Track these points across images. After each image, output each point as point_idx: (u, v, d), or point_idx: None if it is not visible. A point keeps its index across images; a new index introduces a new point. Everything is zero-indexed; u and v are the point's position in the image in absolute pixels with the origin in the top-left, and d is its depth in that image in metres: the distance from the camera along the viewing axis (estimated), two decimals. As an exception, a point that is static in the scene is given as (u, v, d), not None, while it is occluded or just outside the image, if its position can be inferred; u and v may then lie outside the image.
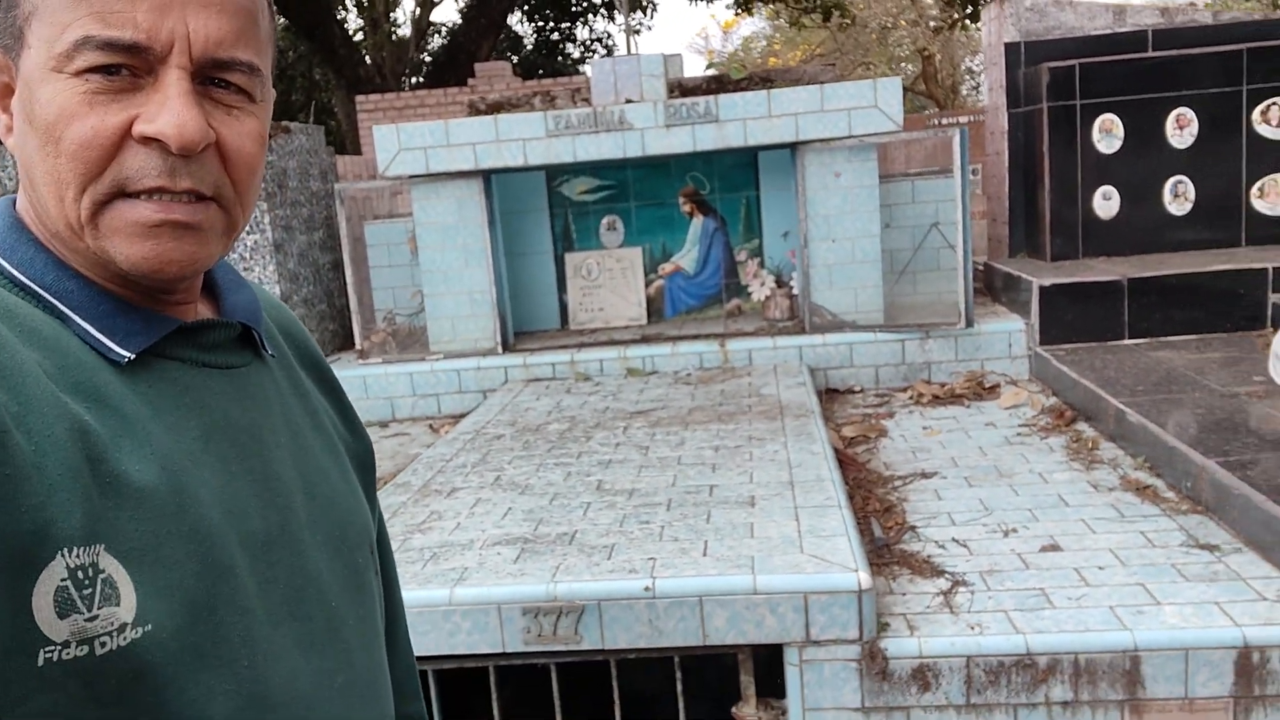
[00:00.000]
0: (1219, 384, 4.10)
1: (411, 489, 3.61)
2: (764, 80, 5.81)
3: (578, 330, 6.00)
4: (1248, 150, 5.37)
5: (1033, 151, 5.80)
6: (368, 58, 17.70)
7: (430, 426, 5.28)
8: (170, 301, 0.70)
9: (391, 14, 20.20)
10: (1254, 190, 5.42)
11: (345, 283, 6.06)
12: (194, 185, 0.64)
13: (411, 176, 5.40)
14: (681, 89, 5.74)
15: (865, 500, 3.57)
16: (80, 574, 0.56)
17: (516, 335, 5.88)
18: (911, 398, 4.97)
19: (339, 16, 17.84)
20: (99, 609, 0.57)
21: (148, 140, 0.62)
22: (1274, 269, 4.84)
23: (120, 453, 0.61)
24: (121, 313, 0.67)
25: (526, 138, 5.25)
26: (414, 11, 20.30)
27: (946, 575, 2.95)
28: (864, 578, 2.58)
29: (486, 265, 5.47)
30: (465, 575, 2.76)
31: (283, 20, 18.64)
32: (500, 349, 5.53)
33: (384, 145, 5.33)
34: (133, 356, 0.65)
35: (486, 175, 5.44)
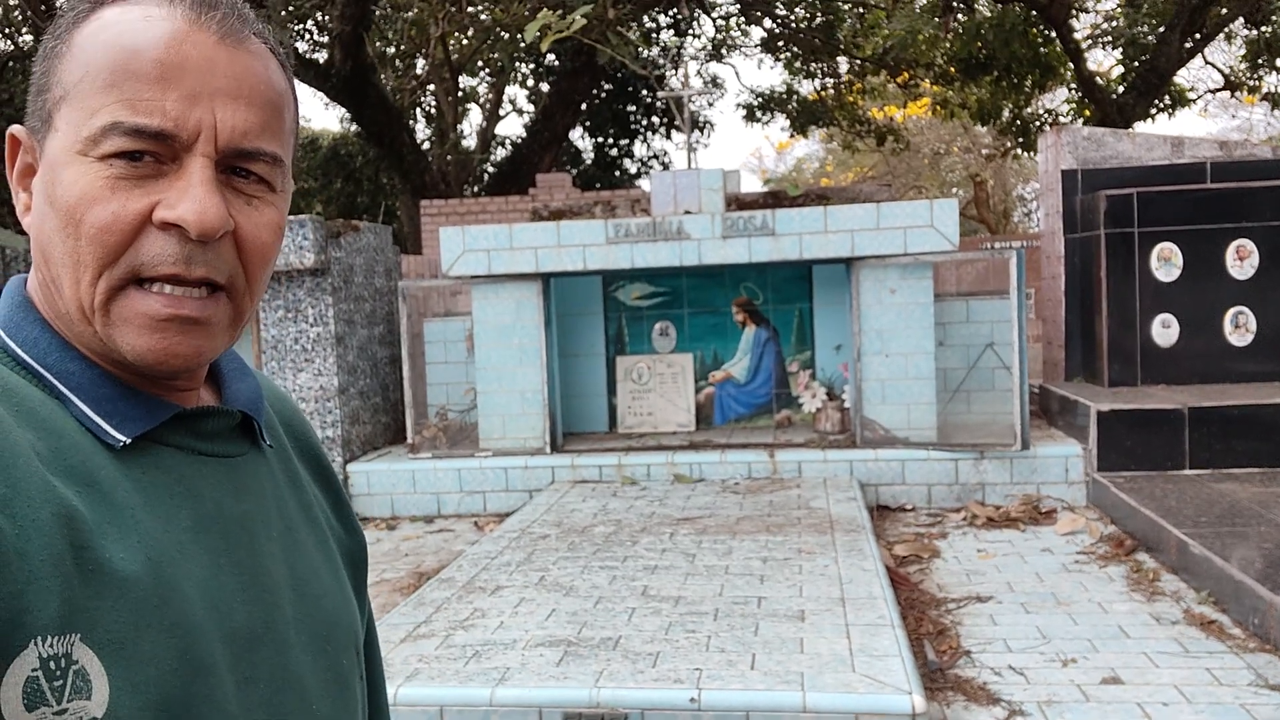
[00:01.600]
0: (1287, 519, 3.97)
1: (456, 585, 3.59)
2: (820, 197, 5.92)
3: (626, 433, 6.01)
4: (1311, 283, 5.32)
5: (1089, 277, 5.80)
6: (434, 165, 18.37)
7: (475, 524, 5.27)
8: (173, 388, 0.70)
9: (459, 125, 21.02)
10: (1318, 323, 5.34)
11: (401, 377, 6.17)
12: (208, 274, 0.64)
13: (473, 277, 5.53)
14: (739, 203, 5.87)
15: (918, 622, 3.47)
16: (53, 664, 0.55)
17: (565, 435, 5.90)
18: (965, 519, 4.88)
19: (409, 125, 18.61)
20: (69, 702, 0.56)
21: (167, 226, 0.62)
22: (1341, 404, 4.73)
23: (106, 540, 0.60)
24: (122, 397, 0.66)
25: (587, 244, 5.37)
26: (481, 124, 21.13)
27: (1003, 704, 2.84)
28: (919, 701, 2.49)
29: (540, 365, 5.54)
30: (507, 675, 2.72)
31: (355, 126, 19.49)
32: (549, 449, 5.54)
33: (449, 246, 5.49)
34: (129, 441, 0.65)
35: (546, 278, 5.55)
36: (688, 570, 3.66)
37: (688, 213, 5.39)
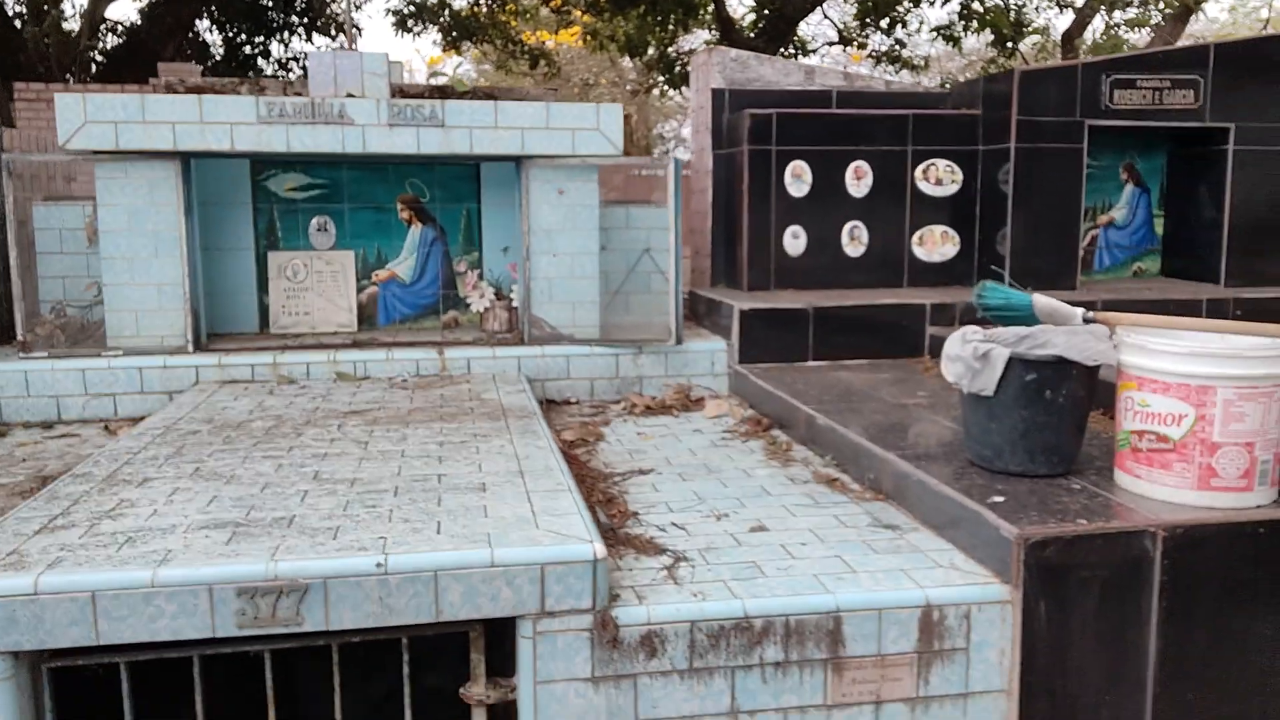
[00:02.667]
0: (890, 397, 4.61)
1: (94, 479, 3.22)
2: (488, 96, 5.86)
3: (279, 334, 5.66)
4: (911, 203, 6.15)
5: (733, 191, 6.28)
6: (30, 45, 15.85)
7: (106, 428, 4.73)
8: None
9: (60, 3, 18.22)
10: (915, 238, 6.19)
11: (6, 267, 5.34)
12: None
13: (97, 152, 4.88)
14: (403, 94, 5.66)
15: (589, 493, 3.64)
16: None
17: (210, 336, 5.44)
18: (625, 408, 5.15)
19: (-4, -4, 15.86)
20: None
21: None
22: (930, 305, 5.54)
23: None
24: None
25: (235, 121, 4.92)
26: (85, 3, 18.44)
27: (669, 553, 3.08)
28: (599, 548, 2.63)
29: (180, 255, 5.04)
30: (169, 557, 2.50)
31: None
32: (191, 348, 5.09)
33: (67, 116, 4.79)
34: None
35: (186, 159, 5.03)
36: (361, 456, 3.56)
37: (350, 95, 5.11)
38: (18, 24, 16.76)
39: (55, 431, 4.68)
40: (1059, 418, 3.22)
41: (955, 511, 3.12)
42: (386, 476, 3.27)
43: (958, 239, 6.24)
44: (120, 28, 19.51)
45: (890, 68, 17.25)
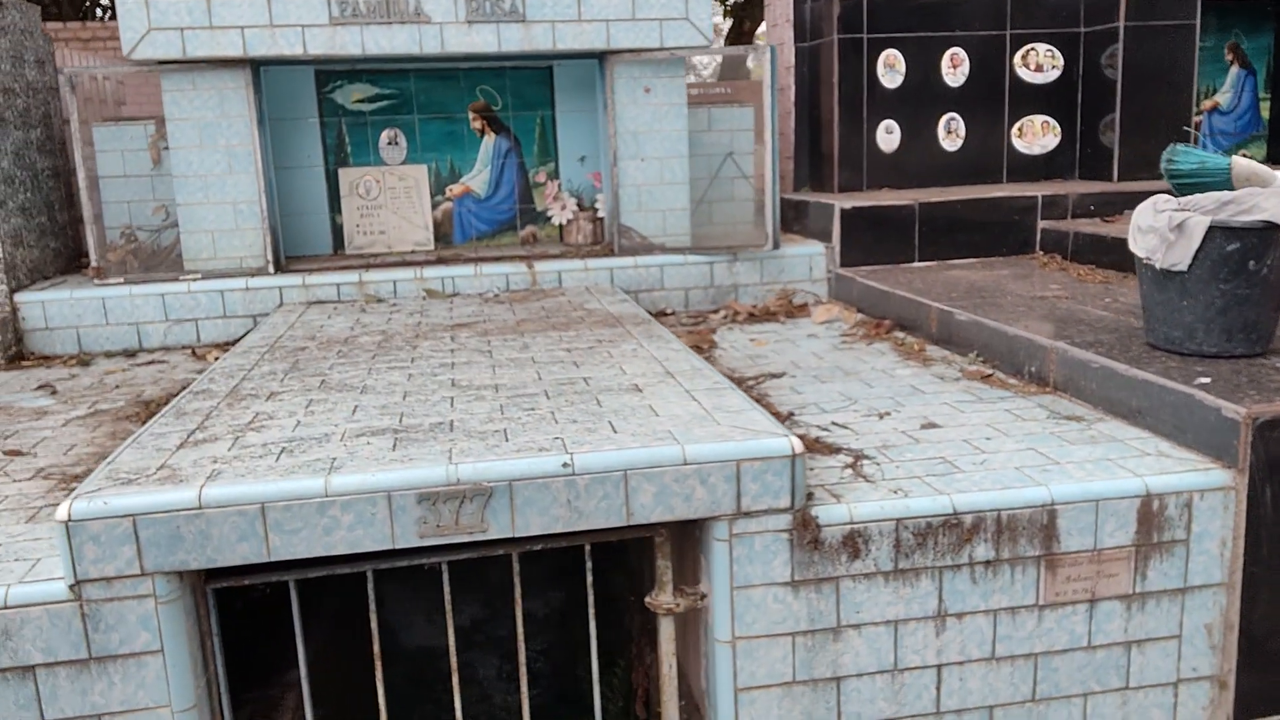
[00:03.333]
0: (1022, 291, 4.34)
1: (216, 395, 3.00)
2: (560, -8, 5.49)
3: (355, 254, 5.41)
4: (1010, 92, 5.79)
5: (818, 85, 5.93)
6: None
7: (193, 353, 4.52)
8: None
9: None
10: (1014, 129, 5.85)
11: (69, 194, 5.09)
12: None
13: (162, 62, 4.59)
14: (474, -7, 5.30)
15: (731, 395, 3.40)
16: None
17: (286, 259, 5.19)
18: (725, 316, 4.90)
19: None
20: None
21: None
22: (1042, 197, 5.23)
23: None
24: None
25: (306, 24, 4.61)
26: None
27: (845, 451, 2.84)
28: (796, 442, 2.40)
29: (255, 171, 4.77)
30: (338, 464, 2.28)
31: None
32: (272, 268, 4.85)
33: (129, 23, 4.48)
34: None
35: (255, 66, 4.73)
36: (491, 364, 3.32)
37: (428, -8, 4.78)
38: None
39: (140, 359, 4.47)
40: (1261, 290, 2.94)
41: (1154, 396, 2.87)
42: (529, 381, 3.04)
43: (1059, 129, 5.89)
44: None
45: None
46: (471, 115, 5.55)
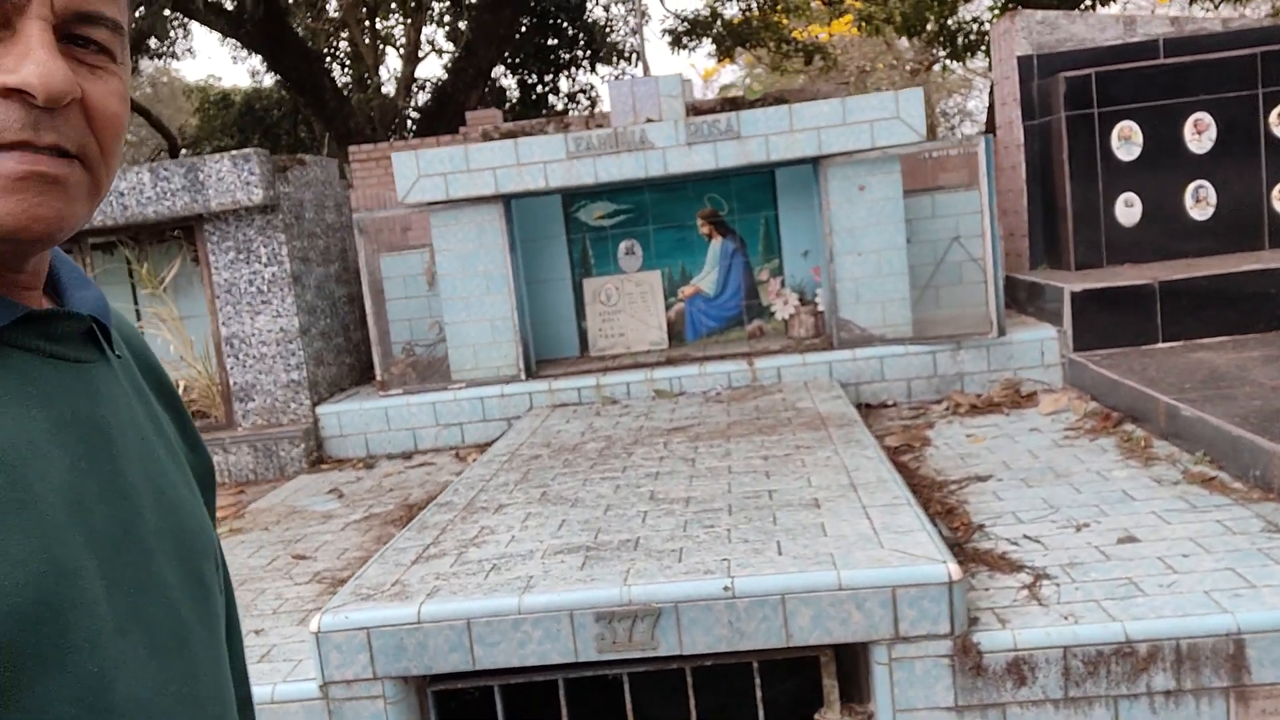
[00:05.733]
0: (1267, 378, 4.04)
1: (456, 507, 3.49)
2: (779, 100, 5.81)
3: (598, 356, 5.91)
4: (1266, 152, 5.38)
5: (1050, 162, 5.80)
6: (357, 112, 17.80)
7: (456, 455, 5.16)
8: (16, 285, 0.67)
9: (379, 69, 20.36)
10: (1275, 192, 5.42)
11: (361, 316, 5.98)
12: (58, 140, 0.61)
13: (431, 203, 5.34)
14: (697, 111, 5.73)
15: (925, 505, 3.47)
16: None
17: (537, 363, 5.78)
18: (948, 408, 4.90)
19: (329, 70, 17.97)
20: None
21: (10, 93, 0.59)
22: (1305, 267, 4.81)
23: None
24: None
25: (547, 160, 5.21)
26: (400, 68, 20.48)
27: (1026, 569, 2.85)
28: (954, 569, 2.48)
29: (508, 291, 5.40)
30: (532, 583, 2.64)
31: (270, 79, 18.75)
32: (524, 375, 5.43)
33: (403, 172, 5.28)
34: None
35: (507, 200, 5.39)
36: (690, 473, 3.61)
37: (649, 121, 5.25)
38: (346, 93, 18.90)
39: (414, 461, 5.16)
40: None
41: (1379, 514, 2.65)
42: (718, 494, 3.29)
43: (1332, 187, 5.38)
44: (429, 85, 21.49)
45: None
46: (700, 221, 5.94)
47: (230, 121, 19.62)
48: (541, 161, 5.21)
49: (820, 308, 5.64)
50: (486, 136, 5.86)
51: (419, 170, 5.27)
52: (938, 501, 3.51)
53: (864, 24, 18.54)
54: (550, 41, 19.95)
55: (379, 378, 5.54)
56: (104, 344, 0.73)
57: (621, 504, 3.30)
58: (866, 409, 5.09)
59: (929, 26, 17.82)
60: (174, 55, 18.62)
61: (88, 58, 0.63)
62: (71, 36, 0.62)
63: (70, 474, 0.64)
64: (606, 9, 20.50)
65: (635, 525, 3.05)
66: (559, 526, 3.12)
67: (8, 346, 0.64)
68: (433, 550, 3.03)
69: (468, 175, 5.26)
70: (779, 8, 19.05)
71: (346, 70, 20.55)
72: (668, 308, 5.99)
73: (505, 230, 5.36)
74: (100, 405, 0.70)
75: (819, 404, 4.57)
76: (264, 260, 5.32)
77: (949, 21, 17.90)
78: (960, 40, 17.67)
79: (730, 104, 5.78)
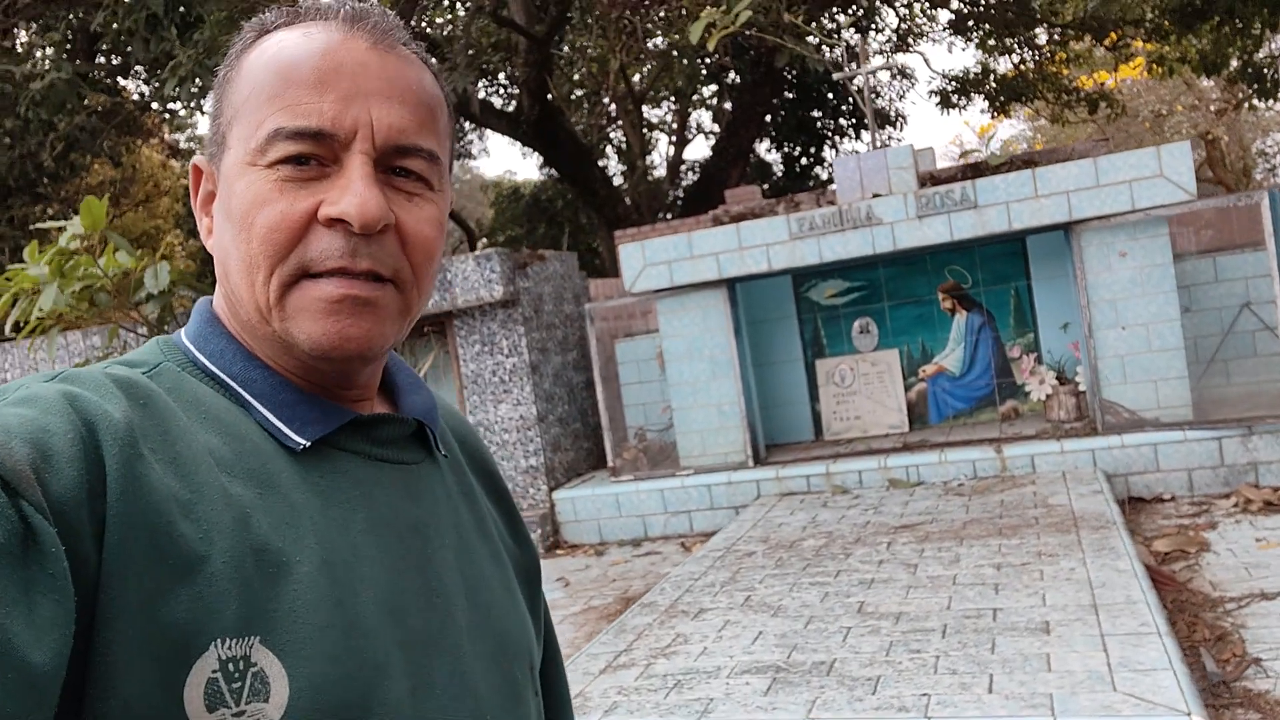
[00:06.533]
0: None
1: (657, 609, 3.39)
2: (1026, 162, 5.38)
3: (833, 440, 5.66)
4: None
5: (1366, 212, 4.93)
6: (627, 198, 18.62)
7: (683, 544, 5.07)
8: (349, 397, 0.72)
9: (648, 155, 21.22)
10: None
11: (597, 401, 6.09)
12: (373, 265, 0.66)
13: (656, 291, 5.38)
14: (934, 180, 5.42)
15: (1190, 627, 2.95)
16: (231, 666, 0.56)
17: (768, 447, 5.62)
18: (1237, 504, 4.21)
19: (599, 161, 18.96)
20: (247, 704, 0.56)
21: (332, 222, 0.65)
22: None
23: (284, 542, 0.61)
24: (302, 402, 0.69)
25: (770, 243, 5.10)
26: (669, 151, 21.26)
27: (1315, 725, 2.32)
28: (1202, 725, 2.05)
29: (734, 375, 5.30)
30: (710, 707, 2.47)
31: (551, 170, 20.08)
32: (751, 462, 5.28)
33: (629, 262, 5.37)
34: (308, 444, 0.67)
35: (730, 284, 5.32)
36: (909, 583, 3.29)
37: (876, 196, 5.02)
38: (616, 180, 19.84)
39: (642, 549, 5.13)
40: None
41: None
42: (935, 610, 2.96)
43: None
44: (696, 165, 22.14)
45: None
46: (941, 296, 5.58)
47: (520, 213, 21.16)
48: (764, 244, 5.11)
49: (1082, 387, 5.08)
50: (717, 221, 5.85)
51: (645, 260, 5.33)
52: (1207, 624, 2.98)
53: (1156, 66, 17.10)
54: (813, 113, 19.97)
55: (610, 463, 5.60)
56: (432, 445, 0.77)
57: (825, 615, 3.06)
58: (1136, 504, 4.49)
59: (1232, 64, 16.14)
60: (470, 155, 20.43)
61: (406, 186, 0.68)
62: (391, 168, 0.67)
63: (386, 573, 0.67)
64: (868, 76, 20.31)
65: (834, 644, 2.81)
66: (754, 640, 2.93)
67: (338, 450, 0.69)
68: (623, 659, 2.93)
69: (691, 262, 5.25)
70: (1058, 57, 18.00)
71: (621, 157, 21.61)
72: (908, 388, 5.63)
73: (729, 313, 5.28)
74: (419, 505, 0.73)
75: (1074, 500, 4.07)
76: (505, 351, 5.57)
77: (1255, 56, 16.14)
78: (1267, 75, 15.86)
79: (971, 171, 5.42)
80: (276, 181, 0.65)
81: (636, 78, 17.74)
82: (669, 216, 19.74)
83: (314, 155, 0.65)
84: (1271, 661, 2.68)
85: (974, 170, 5.48)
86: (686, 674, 2.74)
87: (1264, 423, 4.39)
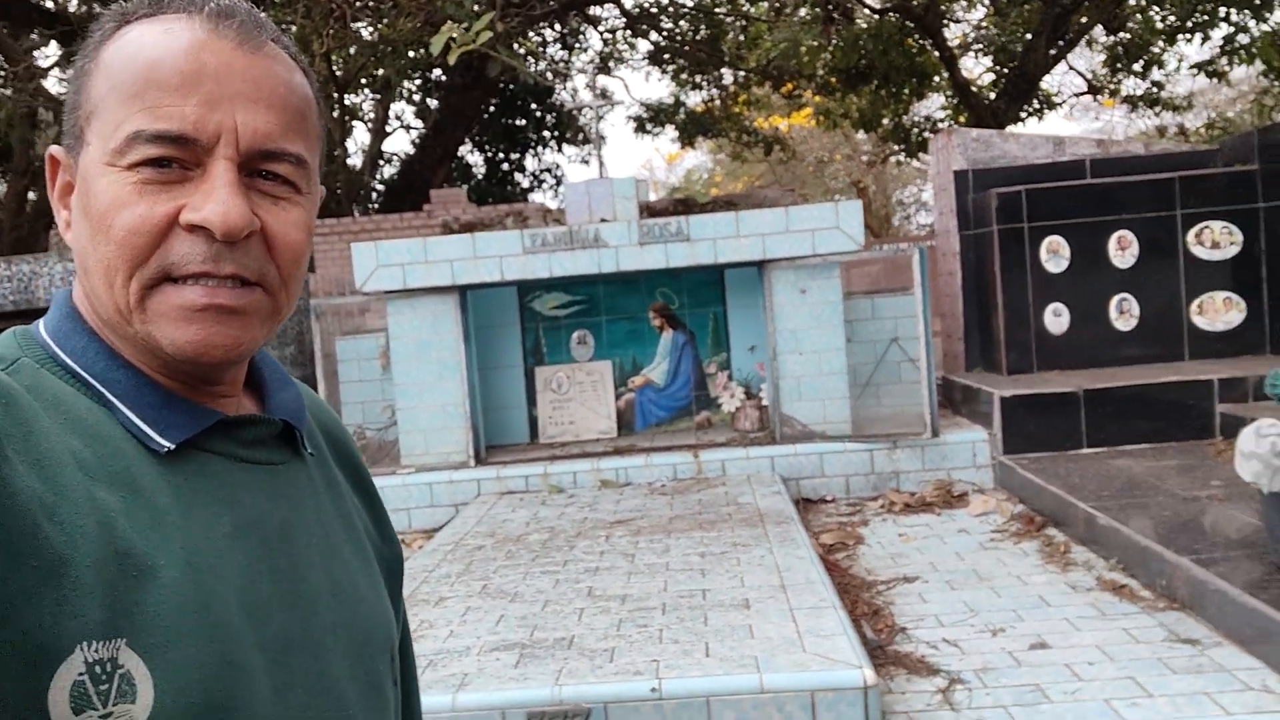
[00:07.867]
0: (1180, 488, 4.27)
1: (398, 599, 3.56)
2: (729, 204, 6.07)
3: (548, 443, 6.03)
4: (1185, 270, 5.72)
5: (984, 271, 6.10)
6: (322, 185, 17.96)
7: (403, 542, 5.21)
8: (215, 394, 0.71)
9: (345, 143, 20.59)
10: (1193, 307, 5.74)
11: (315, 397, 6.05)
12: (237, 270, 0.65)
13: (388, 292, 5.48)
14: (650, 211, 5.97)
15: (853, 604, 3.61)
16: (99, 668, 0.56)
17: (488, 448, 5.89)
18: (883, 506, 5.07)
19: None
20: (114, 705, 0.56)
21: (194, 228, 0.64)
22: (1219, 381, 5.10)
23: (149, 546, 0.61)
24: (166, 404, 0.67)
25: (503, 254, 5.39)
26: (367, 142, 20.77)
27: (942, 674, 2.99)
28: (869, 674, 2.61)
29: (460, 379, 5.53)
30: (466, 681, 2.73)
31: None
32: (473, 462, 5.53)
33: (362, 262, 5.43)
34: (172, 447, 0.66)
35: (463, 291, 5.55)
36: (629, 570, 3.72)
37: (603, 221, 5.47)
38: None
39: (361, 545, 5.20)
40: (1386, 519, 2.86)
41: (1264, 624, 2.84)
42: (654, 593, 3.40)
43: (1244, 305, 5.72)
44: (396, 159, 21.80)
45: (1149, 111, 16.15)
46: (652, 314, 6.14)
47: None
48: (498, 256, 5.40)
49: (765, 401, 5.83)
50: (446, 228, 6.05)
51: (378, 261, 5.42)
52: (865, 602, 3.65)
53: (823, 117, 19.20)
54: (518, 121, 20.38)
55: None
56: (298, 442, 0.76)
57: (559, 600, 3.40)
58: (806, 504, 5.24)
59: (884, 123, 18.51)
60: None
61: (271, 189, 0.67)
62: (257, 171, 0.66)
63: (247, 576, 0.66)
64: (574, 94, 21.02)
65: (571, 623, 3.15)
66: (497, 622, 3.21)
67: (202, 451, 0.68)
68: (372, 643, 3.09)
69: (425, 266, 5.42)
70: (740, 100, 19.70)
71: (318, 144, 20.72)
72: (618, 397, 6.14)
73: (460, 320, 5.51)
74: (285, 506, 0.72)
75: (759, 499, 4.72)
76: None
77: (903, 119, 18.61)
78: (915, 136, 18.36)
79: (682, 205, 6.03)
80: (136, 184, 0.64)
81: (337, 61, 17.20)
82: (367, 209, 19.30)
83: (176, 158, 0.64)
84: (913, 630, 3.37)
85: (685, 205, 6.09)
86: (438, 654, 2.96)
87: (905, 439, 5.31)
